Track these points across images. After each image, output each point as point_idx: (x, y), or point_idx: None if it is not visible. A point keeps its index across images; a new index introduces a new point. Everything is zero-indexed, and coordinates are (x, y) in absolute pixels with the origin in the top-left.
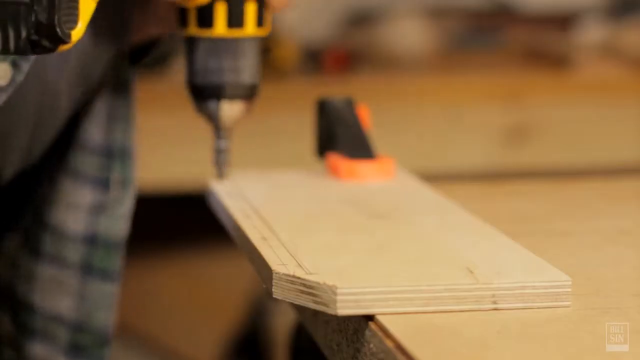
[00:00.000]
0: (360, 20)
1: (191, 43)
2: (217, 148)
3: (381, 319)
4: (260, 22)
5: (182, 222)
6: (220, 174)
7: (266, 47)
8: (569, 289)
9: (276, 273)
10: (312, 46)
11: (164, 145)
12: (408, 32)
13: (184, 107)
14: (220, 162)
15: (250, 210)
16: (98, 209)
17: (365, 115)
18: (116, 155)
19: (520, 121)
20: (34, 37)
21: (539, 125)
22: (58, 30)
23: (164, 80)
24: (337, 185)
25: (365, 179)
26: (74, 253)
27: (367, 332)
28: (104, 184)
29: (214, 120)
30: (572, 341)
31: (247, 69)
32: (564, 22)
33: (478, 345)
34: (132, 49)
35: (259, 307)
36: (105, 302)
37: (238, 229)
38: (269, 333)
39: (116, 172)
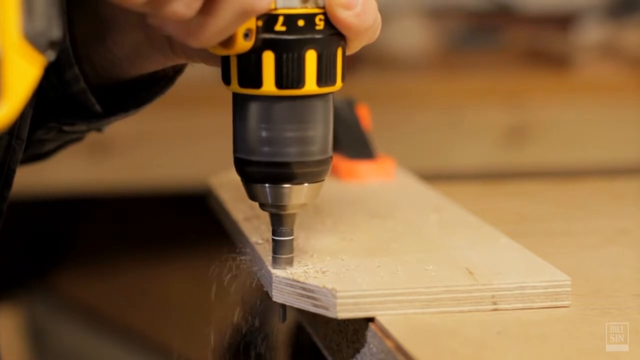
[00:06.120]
0: None
1: (237, 102)
2: (277, 240)
3: (381, 319)
4: (323, 75)
5: (183, 222)
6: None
7: None
8: (569, 289)
9: (276, 276)
10: None
11: (164, 145)
12: (408, 32)
13: (185, 107)
14: (279, 258)
15: (250, 211)
16: None
17: (365, 115)
18: None
19: (521, 121)
20: None
21: (539, 125)
22: None
23: None
24: (337, 185)
25: (365, 179)
26: None
27: (367, 333)
28: None
29: (273, 209)
30: (572, 341)
31: (316, 138)
32: (564, 22)
33: (478, 346)
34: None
35: (259, 308)
36: None
37: (238, 230)
38: (269, 333)
39: None
